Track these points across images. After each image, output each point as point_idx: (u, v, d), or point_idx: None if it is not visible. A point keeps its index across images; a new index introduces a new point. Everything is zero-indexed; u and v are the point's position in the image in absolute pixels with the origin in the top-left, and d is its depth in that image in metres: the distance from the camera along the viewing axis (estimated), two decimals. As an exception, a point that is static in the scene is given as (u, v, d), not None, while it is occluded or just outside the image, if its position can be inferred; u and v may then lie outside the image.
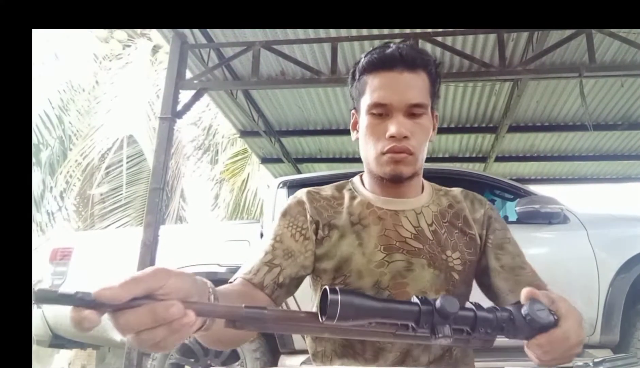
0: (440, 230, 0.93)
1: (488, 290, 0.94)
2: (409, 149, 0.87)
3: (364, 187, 0.99)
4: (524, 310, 0.58)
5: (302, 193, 0.97)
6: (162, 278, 0.48)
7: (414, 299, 0.54)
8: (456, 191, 1.03)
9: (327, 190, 1.00)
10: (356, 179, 1.03)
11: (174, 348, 0.47)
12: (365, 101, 0.90)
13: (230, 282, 0.84)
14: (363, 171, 1.01)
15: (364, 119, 0.92)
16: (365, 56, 0.92)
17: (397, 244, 0.90)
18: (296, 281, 0.90)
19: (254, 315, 0.49)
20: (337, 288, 0.50)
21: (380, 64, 0.89)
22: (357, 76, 0.94)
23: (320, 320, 0.51)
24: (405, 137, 0.86)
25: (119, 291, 0.44)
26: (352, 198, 0.97)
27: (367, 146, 0.92)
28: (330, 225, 0.92)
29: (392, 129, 0.85)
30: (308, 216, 0.92)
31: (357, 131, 0.97)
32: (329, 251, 0.91)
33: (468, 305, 0.57)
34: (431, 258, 0.89)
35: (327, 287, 0.50)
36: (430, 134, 0.93)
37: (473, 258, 0.94)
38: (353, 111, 0.99)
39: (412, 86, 0.87)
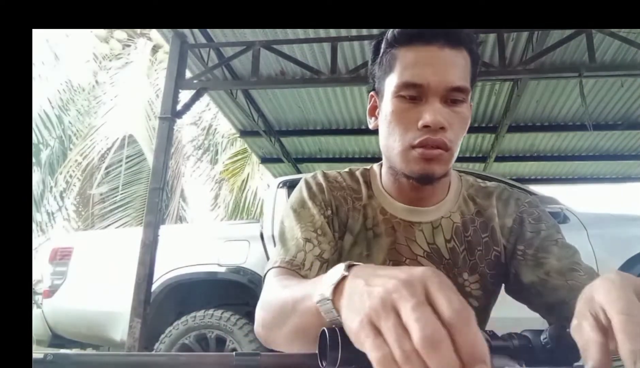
0: (459, 247, 0.78)
1: (538, 308, 0.77)
2: (446, 144, 0.69)
3: (381, 184, 0.83)
4: (543, 337, 0.51)
5: (320, 177, 0.84)
6: None
7: None
8: (492, 188, 0.84)
9: (345, 178, 0.85)
10: (376, 169, 0.86)
11: None
12: (393, 80, 0.72)
13: (277, 266, 0.71)
14: (381, 161, 0.85)
15: (388, 103, 0.73)
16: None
17: (407, 261, 0.78)
18: None
19: (246, 362, 0.46)
20: (336, 328, 0.45)
21: (417, 34, 0.71)
22: (382, 49, 0.76)
23: (321, 365, 0.47)
24: (442, 128, 0.68)
25: None
26: (369, 196, 0.83)
27: (391, 136, 0.74)
28: (347, 227, 0.80)
29: (426, 117, 0.68)
30: (327, 209, 0.80)
31: (376, 118, 0.80)
32: (338, 259, 0.79)
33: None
34: None
35: (325, 328, 0.46)
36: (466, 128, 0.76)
37: (496, 280, 0.80)
38: (372, 93, 0.82)
39: (454, 65, 0.70)
